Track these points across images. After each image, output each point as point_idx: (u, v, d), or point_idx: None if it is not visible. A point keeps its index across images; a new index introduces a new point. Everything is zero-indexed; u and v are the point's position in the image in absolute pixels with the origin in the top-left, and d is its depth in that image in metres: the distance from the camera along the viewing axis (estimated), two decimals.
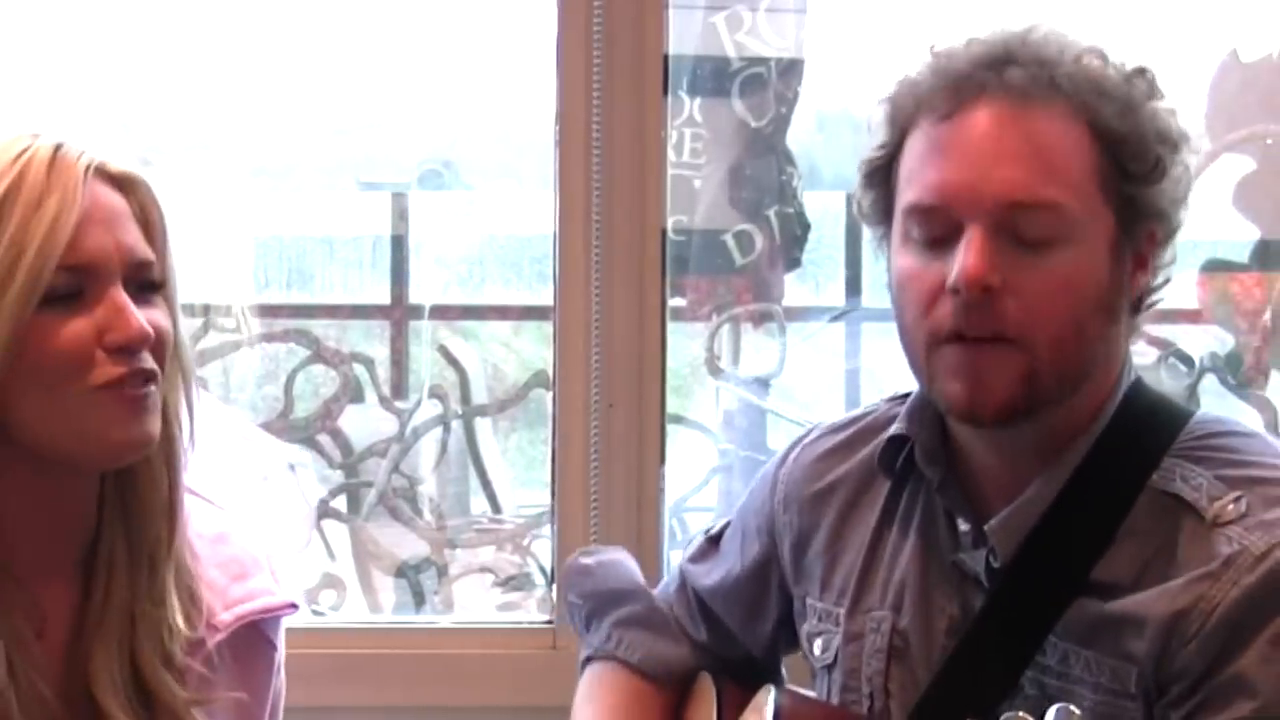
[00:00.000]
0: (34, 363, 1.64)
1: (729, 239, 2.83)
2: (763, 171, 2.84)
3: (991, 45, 1.85)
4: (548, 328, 2.78)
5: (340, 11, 3.10)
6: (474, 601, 2.99)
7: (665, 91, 2.70)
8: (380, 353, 3.23)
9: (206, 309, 2.90)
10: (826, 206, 2.87)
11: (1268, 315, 2.85)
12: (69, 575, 1.74)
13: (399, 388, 3.20)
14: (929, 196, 1.82)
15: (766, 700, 2.00)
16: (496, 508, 3.50)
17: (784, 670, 2.18)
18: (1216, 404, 2.78)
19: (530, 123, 2.85)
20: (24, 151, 1.65)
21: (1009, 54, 1.84)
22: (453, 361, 3.07)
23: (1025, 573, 1.84)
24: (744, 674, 2.13)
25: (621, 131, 2.68)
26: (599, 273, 2.68)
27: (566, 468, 2.72)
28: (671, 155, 2.75)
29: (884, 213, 1.90)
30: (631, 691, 2.16)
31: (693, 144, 2.81)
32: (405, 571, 2.97)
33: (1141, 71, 1.87)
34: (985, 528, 1.86)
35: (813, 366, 2.96)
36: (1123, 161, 1.82)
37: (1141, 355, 2.72)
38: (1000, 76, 1.82)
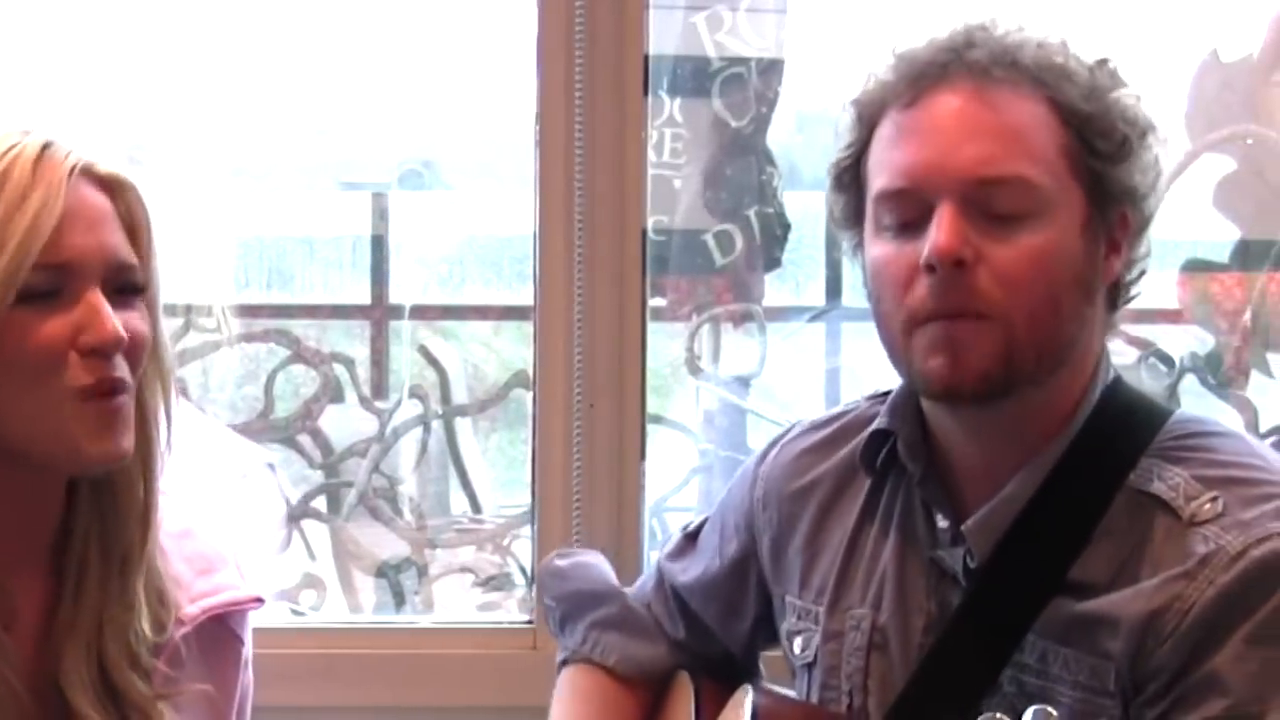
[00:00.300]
0: (8, 359, 1.64)
1: (709, 239, 2.83)
2: (743, 172, 2.84)
3: (953, 33, 1.86)
4: (528, 328, 2.77)
5: (320, 12, 3.10)
6: (454, 601, 2.98)
7: (646, 91, 2.70)
8: (360, 353, 3.22)
9: (187, 309, 2.89)
10: (806, 207, 2.87)
11: (1248, 315, 2.85)
12: (39, 568, 1.73)
13: (379, 388, 3.19)
14: (898, 180, 1.83)
15: (744, 699, 2.00)
16: (477, 508, 3.49)
17: (763, 668, 2.18)
18: (1197, 404, 2.78)
19: (510, 123, 2.84)
20: (11, 148, 1.65)
21: (970, 39, 1.85)
22: (433, 361, 3.07)
23: (1002, 572, 1.84)
24: (722, 672, 2.13)
25: (602, 131, 2.67)
26: (579, 273, 2.67)
27: (547, 468, 2.72)
28: (652, 155, 2.75)
29: (856, 214, 1.90)
30: (607, 694, 2.16)
31: (673, 144, 2.81)
32: (385, 571, 2.96)
33: (1104, 62, 1.87)
34: (962, 528, 1.86)
35: (793, 366, 2.96)
36: (1089, 139, 1.82)
37: (1121, 355, 2.72)
38: (962, 57, 1.83)
